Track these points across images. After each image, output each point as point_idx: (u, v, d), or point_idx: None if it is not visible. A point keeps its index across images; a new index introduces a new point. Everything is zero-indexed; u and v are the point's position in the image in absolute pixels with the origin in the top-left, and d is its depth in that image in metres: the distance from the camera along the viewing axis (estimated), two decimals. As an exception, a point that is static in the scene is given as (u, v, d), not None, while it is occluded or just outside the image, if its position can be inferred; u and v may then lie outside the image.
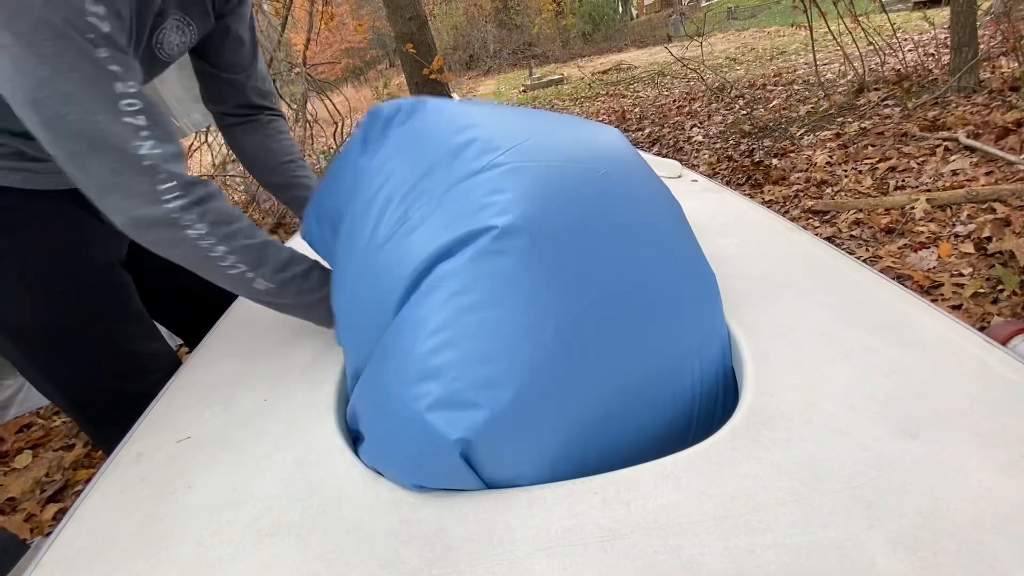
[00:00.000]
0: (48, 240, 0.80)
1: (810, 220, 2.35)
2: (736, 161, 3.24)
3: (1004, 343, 0.58)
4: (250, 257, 0.67)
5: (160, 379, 0.76)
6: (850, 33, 3.91)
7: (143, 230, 0.62)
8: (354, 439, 0.62)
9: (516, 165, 0.54)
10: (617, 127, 5.11)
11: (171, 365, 0.88)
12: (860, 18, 3.94)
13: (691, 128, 4.28)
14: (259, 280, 0.69)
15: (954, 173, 2.36)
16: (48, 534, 0.51)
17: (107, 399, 0.85)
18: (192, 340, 1.06)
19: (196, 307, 1.04)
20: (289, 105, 4.54)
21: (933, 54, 4.11)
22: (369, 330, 0.57)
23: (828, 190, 2.56)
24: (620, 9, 18.06)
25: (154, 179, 0.60)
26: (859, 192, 2.46)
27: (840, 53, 4.23)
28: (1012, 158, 2.26)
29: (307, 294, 0.72)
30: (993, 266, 1.71)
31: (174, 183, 0.61)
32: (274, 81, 4.21)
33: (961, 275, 1.72)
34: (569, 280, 0.52)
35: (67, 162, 0.59)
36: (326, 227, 0.69)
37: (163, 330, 1.01)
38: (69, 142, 0.57)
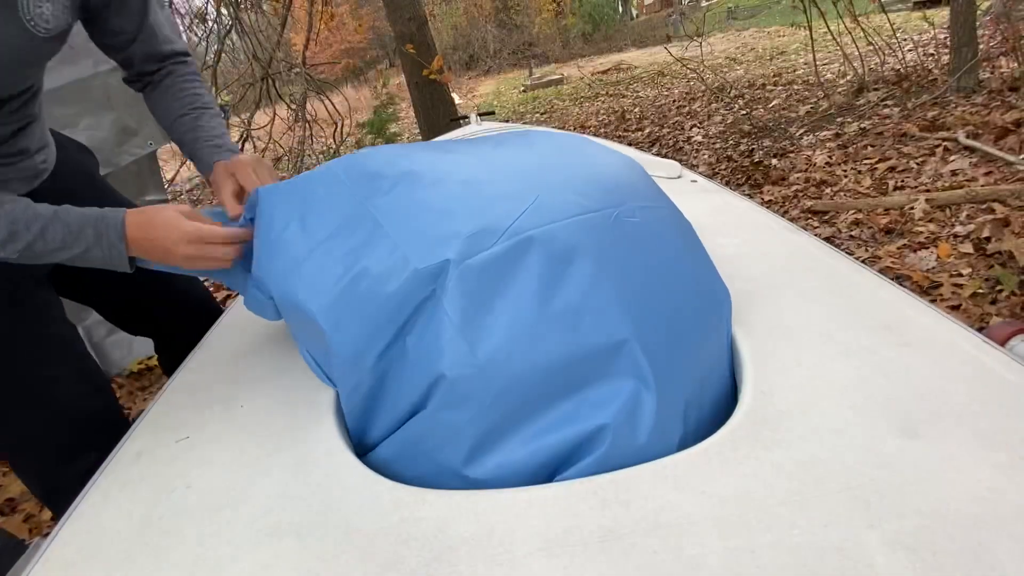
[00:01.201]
0: None
1: (809, 220, 2.35)
2: (736, 161, 3.24)
3: (1003, 343, 0.59)
4: None
5: (68, 407, 0.67)
6: (850, 33, 3.91)
7: None
8: (355, 441, 0.62)
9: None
10: (617, 127, 5.10)
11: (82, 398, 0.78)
12: (860, 18, 3.94)
13: (691, 128, 4.28)
14: None
15: (953, 173, 2.36)
16: (47, 534, 0.51)
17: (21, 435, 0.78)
18: (170, 346, 1.00)
19: (171, 312, 1.00)
20: (288, 105, 4.54)
21: (932, 54, 4.11)
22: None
23: (827, 190, 2.56)
24: (620, 9, 18.07)
25: None
26: (858, 192, 2.46)
27: (840, 53, 4.23)
28: (1011, 158, 2.26)
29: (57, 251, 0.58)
30: (992, 266, 1.71)
31: None
32: (273, 82, 4.22)
33: (960, 275, 1.72)
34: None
35: None
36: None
37: (141, 339, 0.99)
38: None
